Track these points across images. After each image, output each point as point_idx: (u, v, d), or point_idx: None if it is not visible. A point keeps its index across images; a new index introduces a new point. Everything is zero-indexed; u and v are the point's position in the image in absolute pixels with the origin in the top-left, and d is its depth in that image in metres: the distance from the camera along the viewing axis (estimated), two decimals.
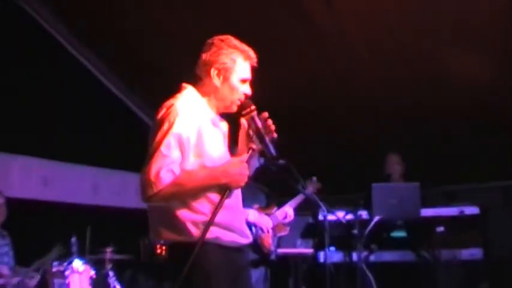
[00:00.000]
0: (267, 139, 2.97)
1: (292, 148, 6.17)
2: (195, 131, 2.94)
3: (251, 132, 3.02)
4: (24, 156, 6.94)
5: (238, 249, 3.03)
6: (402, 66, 5.93)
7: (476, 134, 6.21)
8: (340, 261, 5.51)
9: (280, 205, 5.46)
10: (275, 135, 2.99)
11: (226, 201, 2.87)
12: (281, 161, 5.19)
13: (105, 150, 7.44)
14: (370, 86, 6.23)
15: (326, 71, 6.24)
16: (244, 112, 3.04)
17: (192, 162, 2.92)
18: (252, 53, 3.06)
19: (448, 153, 6.40)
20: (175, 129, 2.89)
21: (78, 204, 7.25)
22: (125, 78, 7.75)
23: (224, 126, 3.16)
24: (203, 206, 2.90)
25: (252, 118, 3.01)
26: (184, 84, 3.10)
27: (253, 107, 3.02)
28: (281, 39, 5.99)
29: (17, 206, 5.91)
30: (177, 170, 2.86)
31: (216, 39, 3.06)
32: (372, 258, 5.43)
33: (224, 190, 2.86)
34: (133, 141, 7.70)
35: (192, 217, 2.89)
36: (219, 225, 2.90)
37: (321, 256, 5.61)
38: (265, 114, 3.01)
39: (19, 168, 6.91)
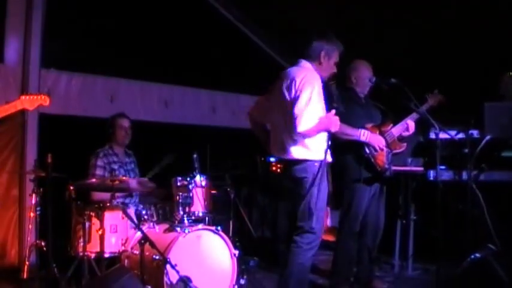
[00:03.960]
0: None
1: (406, 67, 6.24)
2: (317, 91, 4.58)
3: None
4: (146, 82, 7.36)
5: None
6: None
7: None
8: (449, 179, 5.54)
9: (395, 123, 5.56)
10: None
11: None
12: (393, 80, 5.30)
13: (221, 74, 7.73)
14: None
15: None
16: (330, 82, 4.72)
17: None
18: (340, 45, 4.78)
19: None
20: (314, 90, 4.53)
21: (197, 125, 7.65)
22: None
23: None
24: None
25: (334, 86, 4.67)
26: (303, 60, 4.76)
27: (332, 82, 4.71)
28: None
29: (141, 128, 6.31)
30: (316, 119, 4.48)
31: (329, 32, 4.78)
32: (482, 177, 5.39)
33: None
34: (247, 66, 7.99)
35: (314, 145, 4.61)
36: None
37: (431, 174, 5.68)
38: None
39: (142, 93, 7.33)
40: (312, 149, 4.61)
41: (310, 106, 4.49)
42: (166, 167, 5.89)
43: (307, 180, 4.58)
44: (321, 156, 4.57)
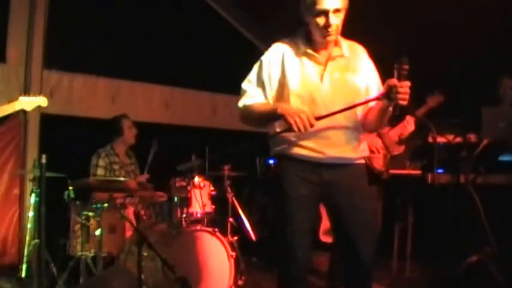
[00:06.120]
0: (396, 101, 3.20)
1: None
2: (279, 65, 3.47)
3: (390, 85, 3.23)
4: (147, 83, 7.41)
5: (317, 164, 3.44)
6: None
7: None
8: (447, 182, 5.56)
9: (393, 125, 5.59)
10: (404, 103, 3.20)
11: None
12: None
13: (222, 76, 7.76)
14: None
15: None
16: (396, 65, 3.23)
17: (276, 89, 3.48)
18: None
19: None
20: (258, 66, 3.55)
21: (197, 127, 7.70)
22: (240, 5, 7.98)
23: (339, 55, 3.48)
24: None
25: (399, 75, 3.20)
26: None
27: (404, 66, 3.20)
28: None
29: (142, 129, 6.35)
30: (250, 101, 3.49)
31: None
32: (479, 180, 5.42)
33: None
34: (249, 68, 8.01)
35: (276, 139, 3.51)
36: (288, 142, 3.46)
37: (429, 177, 5.69)
38: (407, 83, 3.20)
39: (143, 94, 7.39)
40: None
41: (243, 86, 3.59)
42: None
43: None
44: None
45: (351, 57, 3.50)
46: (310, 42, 3.46)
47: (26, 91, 6.16)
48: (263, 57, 3.55)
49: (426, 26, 6.37)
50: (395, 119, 5.61)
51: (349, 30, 3.56)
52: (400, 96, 3.18)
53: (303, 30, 3.50)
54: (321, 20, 3.32)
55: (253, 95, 3.51)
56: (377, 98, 3.33)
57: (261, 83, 3.51)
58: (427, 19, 6.34)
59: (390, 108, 3.34)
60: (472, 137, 5.58)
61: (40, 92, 5.76)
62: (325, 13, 3.30)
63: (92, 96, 6.89)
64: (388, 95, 3.22)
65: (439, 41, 6.41)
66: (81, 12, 6.61)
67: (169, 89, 7.61)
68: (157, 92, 7.52)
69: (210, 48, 7.62)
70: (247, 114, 3.52)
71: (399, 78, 3.20)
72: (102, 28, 6.79)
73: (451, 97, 5.93)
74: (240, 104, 3.54)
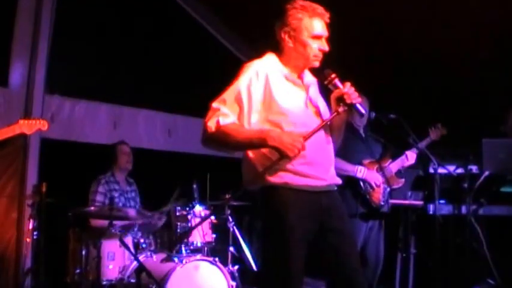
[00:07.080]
0: (353, 102, 3.26)
1: (404, 102, 6.27)
2: (262, 86, 3.25)
3: (336, 96, 3.30)
4: (150, 110, 7.39)
5: (318, 192, 3.29)
6: None
7: None
8: (449, 213, 5.54)
9: (394, 157, 5.58)
10: (359, 100, 3.28)
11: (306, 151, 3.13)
12: (392, 115, 5.32)
13: None
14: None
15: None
16: (326, 82, 3.33)
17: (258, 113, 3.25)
18: (320, 10, 3.30)
19: None
20: (236, 85, 3.27)
21: (199, 154, 7.66)
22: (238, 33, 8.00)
23: (310, 82, 3.44)
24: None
25: (335, 85, 3.31)
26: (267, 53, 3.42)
27: (333, 76, 3.31)
28: None
29: (144, 156, 6.36)
30: (224, 121, 3.19)
31: (286, 6, 3.34)
32: (481, 211, 5.41)
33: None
34: None
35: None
36: (289, 171, 3.20)
37: (431, 208, 5.68)
38: (347, 84, 3.29)
39: (145, 121, 7.36)
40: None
41: (214, 105, 3.27)
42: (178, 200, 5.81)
43: None
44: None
45: (314, 84, 3.50)
46: (287, 67, 3.38)
47: (28, 116, 6.15)
48: (243, 78, 3.30)
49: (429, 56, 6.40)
50: (396, 153, 5.61)
51: None
52: (352, 96, 3.26)
53: (275, 56, 3.41)
54: (315, 44, 3.30)
55: (227, 115, 3.22)
56: (337, 112, 3.29)
57: (237, 105, 3.25)
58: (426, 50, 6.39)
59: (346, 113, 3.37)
60: (474, 168, 5.58)
61: (41, 117, 5.77)
62: (319, 38, 3.31)
63: (93, 121, 6.87)
64: (344, 102, 3.27)
65: (442, 69, 6.43)
66: (84, 37, 6.61)
67: (172, 116, 7.59)
68: (160, 118, 7.50)
69: (213, 77, 7.61)
70: (221, 137, 3.19)
71: (336, 87, 3.31)
72: (104, 54, 6.80)
73: (453, 128, 5.93)
74: (212, 123, 3.21)
